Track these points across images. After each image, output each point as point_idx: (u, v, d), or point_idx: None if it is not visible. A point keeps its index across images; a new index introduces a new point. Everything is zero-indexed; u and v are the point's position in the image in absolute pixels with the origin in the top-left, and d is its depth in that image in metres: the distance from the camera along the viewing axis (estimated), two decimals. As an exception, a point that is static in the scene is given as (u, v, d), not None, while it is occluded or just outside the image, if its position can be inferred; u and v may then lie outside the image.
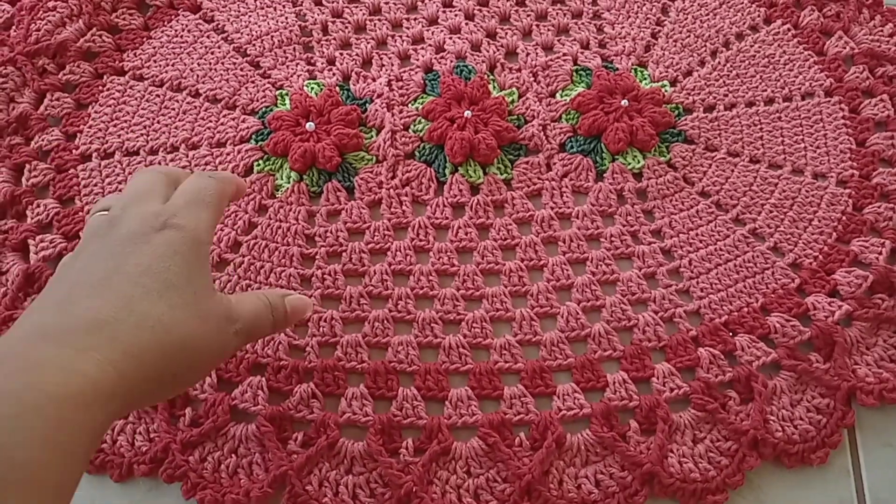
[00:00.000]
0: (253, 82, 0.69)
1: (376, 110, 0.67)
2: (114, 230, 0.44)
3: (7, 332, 0.41)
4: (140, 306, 0.40)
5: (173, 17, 0.73)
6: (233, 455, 0.53)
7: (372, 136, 0.66)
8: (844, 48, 0.72)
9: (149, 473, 0.52)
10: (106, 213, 0.47)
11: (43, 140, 0.65)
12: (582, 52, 0.71)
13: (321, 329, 0.57)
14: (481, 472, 0.53)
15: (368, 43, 0.72)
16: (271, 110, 0.67)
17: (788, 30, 0.73)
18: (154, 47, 0.71)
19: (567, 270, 0.60)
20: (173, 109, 0.68)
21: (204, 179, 0.49)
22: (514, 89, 0.69)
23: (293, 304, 0.50)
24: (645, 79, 0.70)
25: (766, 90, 0.70)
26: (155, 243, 0.43)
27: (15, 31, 0.70)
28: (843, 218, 0.63)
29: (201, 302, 0.43)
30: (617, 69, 0.70)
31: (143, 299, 0.40)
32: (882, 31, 0.73)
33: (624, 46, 0.72)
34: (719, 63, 0.71)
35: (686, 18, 0.73)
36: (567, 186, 0.64)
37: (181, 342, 0.41)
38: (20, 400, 0.34)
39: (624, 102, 0.66)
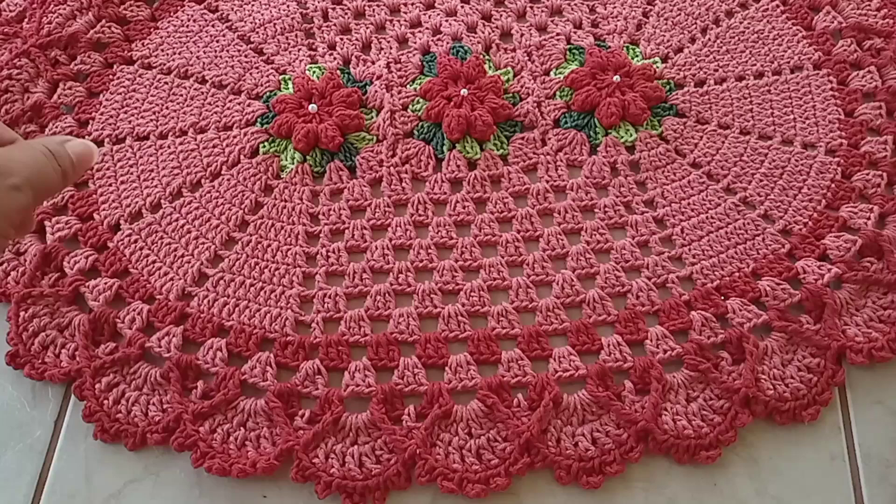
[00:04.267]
0: (257, 68, 0.71)
1: (376, 91, 0.69)
2: None
3: None
4: None
5: (179, 7, 0.75)
6: (241, 428, 0.55)
7: (372, 117, 0.68)
8: (832, 22, 0.73)
9: (161, 442, 0.54)
10: None
11: (57, 127, 0.68)
12: (575, 32, 0.73)
13: (325, 305, 0.59)
14: (482, 432, 0.54)
15: (367, 28, 0.74)
16: (275, 94, 0.69)
17: (777, 6, 0.74)
18: (161, 37, 0.73)
19: (562, 240, 0.62)
20: (181, 95, 0.70)
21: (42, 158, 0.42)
22: (509, 68, 0.71)
23: (76, 150, 0.43)
24: (637, 56, 0.71)
25: (755, 64, 0.71)
26: None
27: (27, 23, 0.73)
28: (833, 185, 0.64)
29: None
30: (609, 47, 0.72)
31: None
32: (870, 4, 0.74)
33: (616, 25, 0.73)
34: (709, 39, 0.73)
35: (677, -3, 0.75)
36: (562, 160, 0.66)
37: None
38: None
39: (616, 78, 0.68)
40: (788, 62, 0.71)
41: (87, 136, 0.67)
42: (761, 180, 0.65)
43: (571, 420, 0.55)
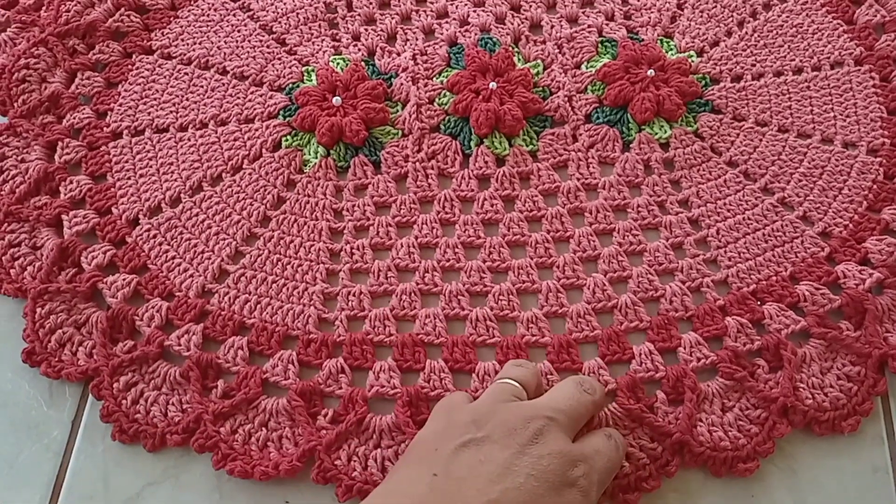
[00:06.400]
0: (279, 59, 0.70)
1: (401, 84, 0.67)
2: (533, 449, 0.43)
3: None
4: None
5: (200, -4, 0.74)
6: (263, 428, 0.53)
7: (398, 111, 0.67)
8: (875, 16, 0.71)
9: (181, 444, 0.53)
10: (516, 385, 0.48)
11: (75, 118, 0.67)
12: (607, 24, 0.71)
13: (350, 303, 0.58)
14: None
15: (393, 18, 0.72)
16: (298, 86, 0.68)
17: (817, -1, 0.72)
18: (181, 26, 0.72)
19: (594, 242, 0.60)
20: (201, 87, 0.68)
21: (618, 455, 0.48)
22: (538, 61, 0.69)
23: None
24: (671, 49, 0.69)
25: (794, 60, 0.69)
26: (564, 498, 0.42)
27: (45, 12, 0.72)
28: (874, 186, 0.62)
29: None
30: (642, 40, 0.69)
31: None
32: (914, -3, 0.72)
33: (649, 17, 0.71)
34: (746, 33, 0.70)
35: (713, -12, 0.73)
36: (593, 157, 0.64)
37: None
38: None
39: (650, 72, 0.65)
40: (828, 57, 0.69)
41: (105, 128, 0.66)
42: (800, 180, 0.63)
43: (603, 435, 0.53)
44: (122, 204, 0.63)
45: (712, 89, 0.67)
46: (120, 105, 0.67)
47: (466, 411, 0.46)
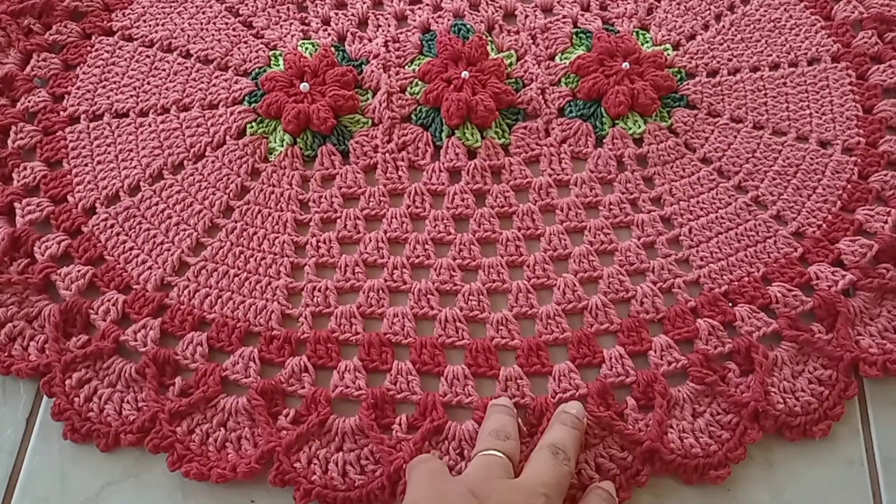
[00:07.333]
0: (246, 42, 0.68)
1: (372, 72, 0.66)
2: None
3: None
4: None
5: (163, -25, 0.71)
6: (221, 428, 0.52)
7: (368, 99, 0.65)
8: (853, 13, 0.70)
9: (136, 443, 0.52)
10: (505, 459, 0.48)
11: (29, 101, 0.65)
12: (582, 15, 0.70)
13: (315, 299, 0.57)
14: (474, 453, 0.52)
15: (364, 3, 0.70)
16: (264, 71, 0.66)
17: (795, -7, 0.71)
18: (143, 7, 0.70)
19: (565, 240, 0.59)
20: (164, 70, 0.66)
21: None
22: (512, 52, 0.68)
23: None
24: (647, 42, 0.68)
25: (771, 55, 0.68)
26: None
27: (-1, -12, 0.69)
28: (849, 186, 0.62)
29: None
30: (618, 32, 0.68)
31: None
32: (893, -6, 0.71)
33: (626, 8, 0.70)
34: (724, 27, 0.69)
35: (691, -20, 0.72)
36: (566, 152, 0.63)
37: None
38: None
39: (625, 65, 0.64)
40: (806, 54, 0.68)
41: (62, 112, 0.64)
42: (774, 178, 0.62)
43: (573, 444, 0.52)
44: (79, 192, 0.61)
45: (687, 84, 0.66)
46: (78, 88, 0.65)
47: (460, 482, 0.46)
